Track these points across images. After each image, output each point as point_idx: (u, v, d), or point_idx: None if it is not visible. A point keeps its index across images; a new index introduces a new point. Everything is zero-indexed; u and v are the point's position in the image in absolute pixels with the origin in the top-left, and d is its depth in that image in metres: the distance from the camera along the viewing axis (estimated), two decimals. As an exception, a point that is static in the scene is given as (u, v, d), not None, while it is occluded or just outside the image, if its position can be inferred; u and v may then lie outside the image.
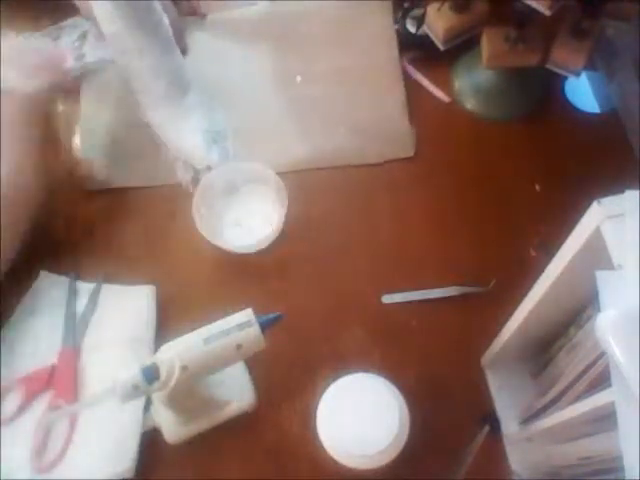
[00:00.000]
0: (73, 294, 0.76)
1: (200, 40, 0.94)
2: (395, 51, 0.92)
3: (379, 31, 0.93)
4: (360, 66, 0.91)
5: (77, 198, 0.84)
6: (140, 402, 0.68)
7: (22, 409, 0.69)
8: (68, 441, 0.68)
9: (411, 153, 0.85)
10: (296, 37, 0.95)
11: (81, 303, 0.76)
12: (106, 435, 0.67)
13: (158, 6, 0.78)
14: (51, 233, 0.80)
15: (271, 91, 0.90)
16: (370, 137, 0.86)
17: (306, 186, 0.83)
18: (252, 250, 0.79)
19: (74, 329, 0.74)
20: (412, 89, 0.91)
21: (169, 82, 0.81)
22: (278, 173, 0.79)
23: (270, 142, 0.86)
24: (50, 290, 0.76)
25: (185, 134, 0.83)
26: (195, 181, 0.83)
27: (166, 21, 0.79)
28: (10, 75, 0.74)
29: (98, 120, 0.89)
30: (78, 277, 0.77)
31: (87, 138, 0.88)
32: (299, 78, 0.91)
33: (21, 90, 0.74)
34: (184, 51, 0.89)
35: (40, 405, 0.69)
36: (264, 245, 0.79)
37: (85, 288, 0.77)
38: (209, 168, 0.82)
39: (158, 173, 0.85)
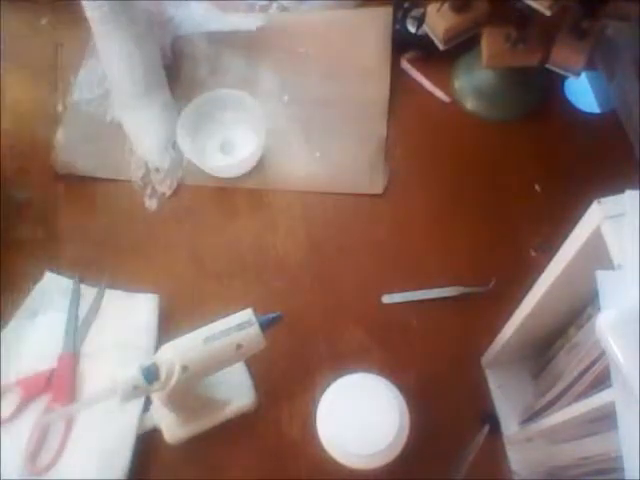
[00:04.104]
0: (76, 298, 0.76)
1: (195, 43, 0.94)
2: (386, 87, 0.90)
3: (375, 64, 0.92)
4: (348, 96, 0.91)
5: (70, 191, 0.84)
6: (136, 404, 0.68)
7: (19, 411, 0.69)
8: (64, 443, 0.67)
9: (380, 190, 0.83)
10: (292, 55, 0.94)
11: (84, 307, 0.76)
12: (101, 437, 0.67)
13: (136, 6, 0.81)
14: (55, 233, 0.81)
15: (256, 104, 0.90)
16: (342, 168, 0.85)
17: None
18: (235, 174, 0.83)
19: (75, 333, 0.73)
20: (412, 89, 0.91)
21: (142, 75, 0.83)
22: (257, 189, 0.83)
23: (246, 154, 0.85)
24: (54, 292, 0.76)
25: (146, 132, 0.85)
26: (145, 180, 0.83)
27: (143, 15, 0.82)
28: None
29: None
30: (82, 281, 0.77)
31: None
32: (286, 97, 0.91)
33: None
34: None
35: (37, 408, 0.69)
36: (246, 168, 0.83)
37: (88, 292, 0.77)
38: (157, 170, 0.84)
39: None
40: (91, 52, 0.92)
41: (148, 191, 0.83)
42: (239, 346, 0.60)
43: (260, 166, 0.85)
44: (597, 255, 0.41)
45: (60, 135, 0.88)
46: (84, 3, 0.78)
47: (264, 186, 0.84)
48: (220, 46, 0.94)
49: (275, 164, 0.85)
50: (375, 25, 0.94)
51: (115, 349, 0.72)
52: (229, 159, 0.85)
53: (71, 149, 0.86)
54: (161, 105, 0.85)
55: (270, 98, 0.90)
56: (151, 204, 0.83)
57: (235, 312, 0.61)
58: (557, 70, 0.79)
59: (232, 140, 0.86)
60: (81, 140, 0.87)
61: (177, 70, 0.91)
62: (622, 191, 0.41)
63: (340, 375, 0.63)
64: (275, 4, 0.98)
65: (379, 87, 0.91)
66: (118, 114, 0.87)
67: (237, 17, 0.96)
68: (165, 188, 0.83)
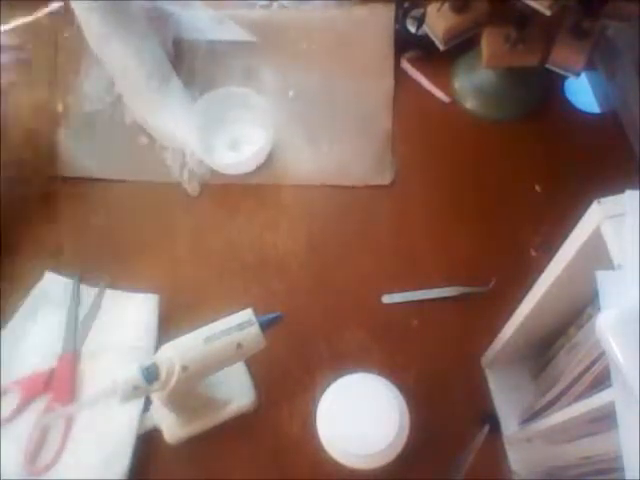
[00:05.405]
0: (76, 297, 0.76)
1: (196, 42, 0.94)
2: (391, 79, 0.91)
3: (378, 60, 0.92)
4: (353, 88, 0.91)
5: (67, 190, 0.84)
6: (137, 404, 0.68)
7: (19, 411, 0.69)
8: (64, 443, 0.67)
9: (387, 181, 0.84)
10: (295, 51, 0.94)
11: (84, 307, 0.76)
12: (101, 437, 0.67)
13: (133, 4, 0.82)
14: (56, 234, 0.81)
15: (263, 101, 0.89)
16: (350, 160, 0.85)
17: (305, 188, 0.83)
18: (243, 171, 0.83)
19: (75, 333, 0.74)
20: (412, 89, 0.91)
21: (151, 68, 0.83)
22: (264, 184, 0.84)
23: (254, 151, 0.85)
24: (54, 292, 0.76)
25: (173, 121, 0.85)
26: (183, 166, 0.84)
27: (141, 15, 0.83)
28: None
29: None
30: (82, 280, 0.77)
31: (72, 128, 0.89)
32: (291, 93, 0.91)
33: None
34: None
35: (37, 408, 0.69)
36: (254, 165, 0.84)
37: (89, 292, 0.77)
38: (193, 154, 0.84)
39: (157, 169, 0.85)
40: (90, 62, 0.91)
41: (186, 177, 0.84)
42: (239, 346, 0.60)
43: (267, 162, 0.85)
44: (597, 255, 0.41)
45: (68, 138, 0.87)
46: (79, 9, 0.78)
47: (271, 182, 0.84)
48: (222, 44, 0.94)
49: (282, 160, 0.86)
50: (377, 23, 0.94)
51: (115, 349, 0.72)
52: (237, 156, 0.85)
53: (81, 151, 0.87)
54: (177, 93, 0.86)
55: (275, 94, 0.90)
56: (193, 189, 0.83)
57: (235, 312, 0.61)
58: (557, 70, 0.79)
59: (240, 137, 0.87)
60: (94, 144, 0.88)
61: (179, 69, 0.90)
62: (622, 191, 0.41)
63: (340, 375, 0.63)
64: (275, 3, 0.98)
65: (383, 82, 0.91)
66: (138, 115, 0.87)
67: (239, 28, 0.95)
68: (203, 170, 0.84)
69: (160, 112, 0.86)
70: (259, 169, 0.85)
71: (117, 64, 0.84)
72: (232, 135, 0.87)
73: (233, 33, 0.94)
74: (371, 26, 0.94)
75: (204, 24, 0.94)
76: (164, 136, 0.86)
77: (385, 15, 0.94)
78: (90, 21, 0.80)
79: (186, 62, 0.92)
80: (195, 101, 0.85)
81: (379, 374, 0.63)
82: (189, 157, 0.84)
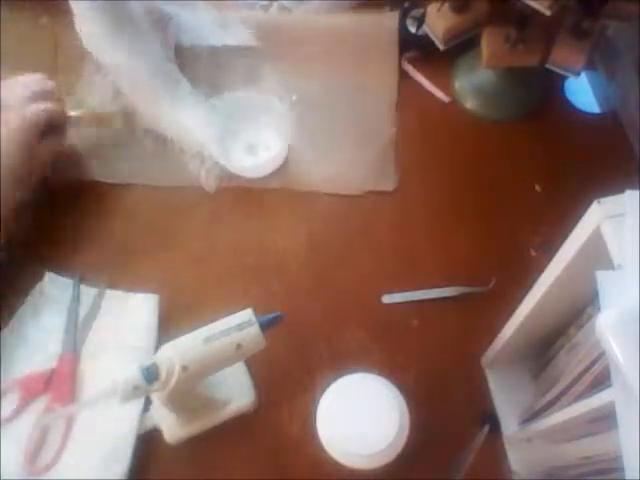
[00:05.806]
0: (76, 298, 0.76)
1: (198, 46, 0.94)
2: (394, 84, 0.91)
3: (382, 62, 0.92)
4: (356, 97, 0.90)
5: (76, 193, 0.84)
6: (137, 404, 0.68)
7: (19, 411, 0.69)
8: (64, 443, 0.67)
9: (391, 187, 0.83)
10: (297, 55, 0.94)
11: (84, 307, 0.76)
12: (101, 437, 0.67)
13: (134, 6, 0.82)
14: (56, 233, 0.81)
15: (266, 105, 0.89)
16: (353, 167, 0.85)
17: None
18: (259, 174, 0.83)
19: (75, 333, 0.73)
20: (412, 89, 0.91)
21: (153, 70, 0.83)
22: (266, 188, 0.83)
23: (256, 156, 0.86)
24: (54, 292, 0.76)
25: (187, 122, 0.84)
26: (201, 165, 0.84)
27: (142, 17, 0.83)
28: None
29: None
30: (82, 281, 0.77)
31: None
32: (294, 97, 0.90)
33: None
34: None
35: (37, 408, 0.69)
36: (269, 170, 0.83)
37: (89, 292, 0.76)
38: (210, 155, 0.83)
39: (162, 173, 0.85)
40: (92, 63, 0.90)
41: (203, 174, 0.84)
42: (239, 346, 0.60)
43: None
44: (597, 255, 0.41)
45: (70, 140, 0.87)
46: (77, 9, 0.78)
47: (275, 187, 0.84)
48: (225, 47, 0.93)
49: (290, 165, 0.85)
50: (382, 28, 0.94)
51: (115, 349, 0.72)
52: (254, 160, 0.85)
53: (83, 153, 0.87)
54: (187, 93, 0.85)
55: (278, 96, 0.90)
56: (210, 186, 0.83)
57: (235, 312, 0.61)
58: (557, 70, 0.79)
59: (257, 141, 0.86)
60: (97, 145, 0.87)
61: (182, 72, 0.90)
62: (622, 191, 0.41)
63: (340, 375, 0.63)
64: (276, 4, 0.98)
65: (386, 87, 0.91)
66: (150, 120, 0.86)
67: (241, 32, 0.95)
68: (218, 170, 0.84)
69: (172, 115, 0.85)
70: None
71: (116, 65, 0.84)
72: (248, 139, 0.87)
73: (236, 38, 0.93)
74: (376, 31, 0.94)
75: (207, 28, 0.94)
76: (180, 139, 0.85)
77: (390, 20, 0.93)
78: (87, 22, 0.80)
79: (188, 66, 0.91)
80: (205, 104, 0.85)
81: (379, 374, 0.63)
82: (207, 159, 0.84)
